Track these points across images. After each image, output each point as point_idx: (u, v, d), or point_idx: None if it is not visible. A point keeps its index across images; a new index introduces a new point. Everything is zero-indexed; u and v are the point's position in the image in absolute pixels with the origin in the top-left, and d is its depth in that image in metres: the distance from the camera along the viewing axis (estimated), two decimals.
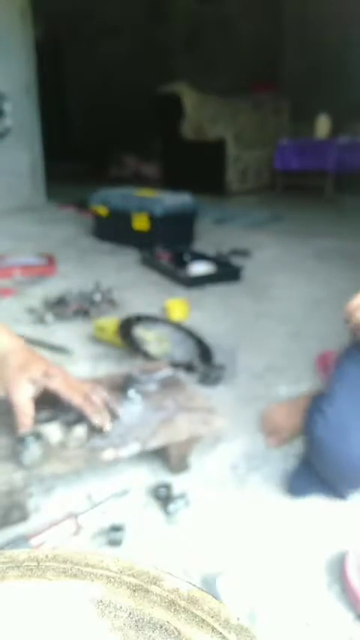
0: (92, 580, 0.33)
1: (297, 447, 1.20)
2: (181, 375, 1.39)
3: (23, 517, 0.95)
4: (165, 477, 1.08)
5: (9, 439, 0.96)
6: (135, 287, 2.35)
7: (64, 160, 6.21)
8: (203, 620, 0.31)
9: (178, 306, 1.95)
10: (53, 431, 0.97)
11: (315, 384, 1.44)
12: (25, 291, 2.28)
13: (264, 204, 4.60)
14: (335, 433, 0.95)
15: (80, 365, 1.58)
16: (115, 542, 0.90)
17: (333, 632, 0.76)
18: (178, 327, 1.77)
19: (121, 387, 1.14)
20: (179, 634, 0.31)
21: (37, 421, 0.98)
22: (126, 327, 1.64)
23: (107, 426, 0.99)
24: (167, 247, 2.79)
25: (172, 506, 0.97)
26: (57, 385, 0.96)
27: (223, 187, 5.00)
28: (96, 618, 0.32)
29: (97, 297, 2.02)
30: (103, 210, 3.16)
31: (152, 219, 2.90)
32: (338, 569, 0.86)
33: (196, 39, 6.15)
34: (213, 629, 0.30)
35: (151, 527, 0.95)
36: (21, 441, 0.91)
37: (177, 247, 2.79)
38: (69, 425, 0.98)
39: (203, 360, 1.55)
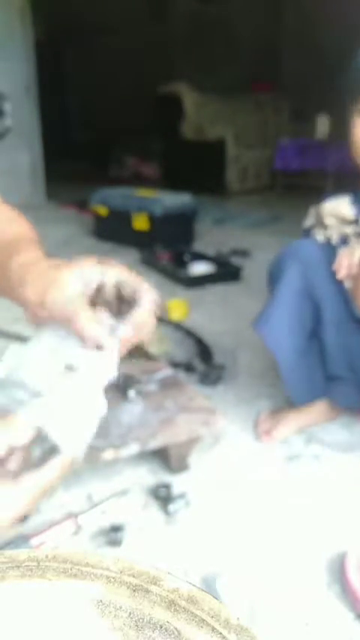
0: (92, 580, 0.33)
1: (296, 446, 1.20)
2: (181, 375, 1.39)
3: (23, 517, 0.95)
4: (165, 477, 1.08)
5: None
6: None
7: (64, 160, 6.21)
8: (203, 620, 0.31)
9: (178, 306, 1.95)
10: None
11: None
12: None
13: (264, 204, 4.60)
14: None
15: None
16: (115, 542, 0.90)
17: (333, 632, 0.76)
18: (178, 327, 1.77)
19: (121, 387, 1.14)
20: (179, 634, 0.31)
21: None
22: None
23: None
24: (167, 247, 2.78)
25: (172, 506, 0.97)
26: (118, 274, 0.57)
27: (223, 187, 5.00)
28: (96, 618, 0.32)
29: None
30: (103, 210, 3.16)
31: (152, 219, 2.90)
32: (338, 569, 0.86)
33: (196, 39, 6.14)
34: (213, 629, 0.30)
35: (151, 527, 0.95)
36: None
37: (177, 247, 2.78)
38: None
39: (203, 360, 1.55)
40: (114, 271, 0.56)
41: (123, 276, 0.56)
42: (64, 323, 0.53)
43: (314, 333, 1.23)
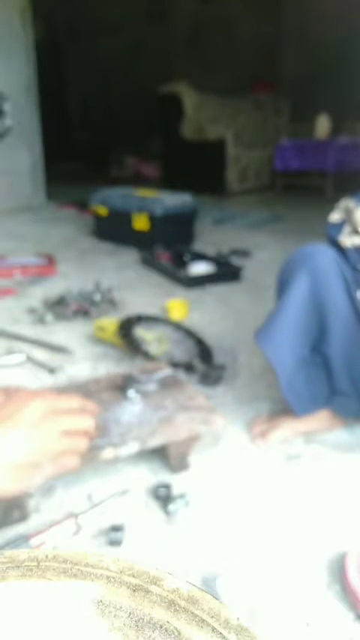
0: (92, 580, 0.33)
1: (296, 447, 1.20)
2: (181, 375, 1.39)
3: (23, 517, 0.95)
4: (165, 476, 1.08)
5: None
6: (135, 287, 2.35)
7: (64, 160, 6.21)
8: (203, 620, 0.31)
9: (178, 306, 1.95)
10: None
11: None
12: (25, 291, 2.28)
13: (264, 204, 4.60)
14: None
15: (80, 365, 1.58)
16: (115, 542, 0.90)
17: (333, 632, 0.76)
18: (178, 327, 1.77)
19: (120, 387, 1.14)
20: (179, 634, 0.30)
21: None
22: (126, 327, 1.63)
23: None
24: (167, 247, 2.79)
25: (172, 506, 0.97)
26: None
27: (223, 187, 5.00)
28: (96, 618, 0.32)
29: (97, 297, 2.02)
30: (103, 210, 3.16)
31: (152, 219, 2.90)
32: (338, 569, 0.86)
33: (196, 39, 6.15)
34: (213, 629, 0.30)
35: (151, 527, 0.95)
36: None
37: (177, 247, 2.79)
38: None
39: (203, 361, 1.55)
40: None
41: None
42: None
43: (318, 345, 1.19)
